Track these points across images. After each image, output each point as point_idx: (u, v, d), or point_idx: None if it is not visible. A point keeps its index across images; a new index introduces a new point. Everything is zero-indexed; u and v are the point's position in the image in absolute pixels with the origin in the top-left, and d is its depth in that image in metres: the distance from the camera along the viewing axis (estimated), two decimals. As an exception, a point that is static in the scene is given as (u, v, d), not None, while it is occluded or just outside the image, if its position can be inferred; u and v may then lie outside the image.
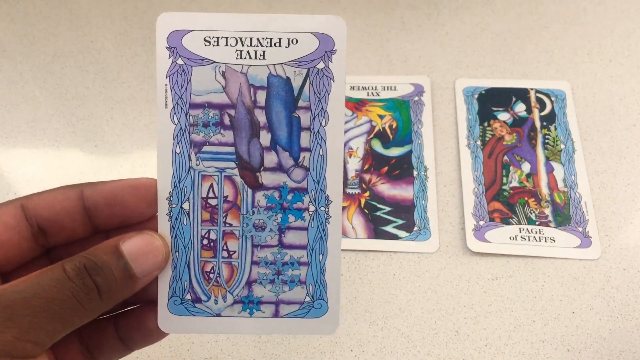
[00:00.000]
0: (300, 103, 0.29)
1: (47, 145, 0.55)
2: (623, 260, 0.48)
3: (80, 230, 0.29)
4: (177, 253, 0.29)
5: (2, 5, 0.64)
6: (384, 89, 0.57)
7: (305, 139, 0.29)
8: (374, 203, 0.51)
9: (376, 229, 0.50)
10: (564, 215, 0.50)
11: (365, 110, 0.56)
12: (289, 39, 0.28)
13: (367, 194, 0.52)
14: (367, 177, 0.53)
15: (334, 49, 0.28)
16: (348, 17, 0.62)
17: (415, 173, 0.52)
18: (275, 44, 0.28)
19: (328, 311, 0.30)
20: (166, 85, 0.28)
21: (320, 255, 0.29)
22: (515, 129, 0.54)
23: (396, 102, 0.56)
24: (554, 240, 0.49)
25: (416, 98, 0.56)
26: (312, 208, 0.29)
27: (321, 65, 0.28)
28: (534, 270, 0.48)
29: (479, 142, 0.54)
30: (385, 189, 0.52)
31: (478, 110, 0.56)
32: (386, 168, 0.53)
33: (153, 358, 0.45)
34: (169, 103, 0.28)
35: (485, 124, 0.55)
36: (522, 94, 0.56)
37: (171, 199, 0.29)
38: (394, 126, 0.55)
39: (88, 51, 0.60)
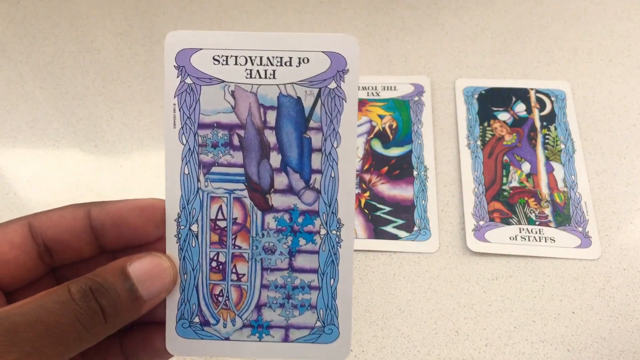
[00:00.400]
0: (311, 124, 0.28)
1: (47, 145, 0.55)
2: (623, 260, 0.48)
3: (86, 250, 0.29)
4: (185, 275, 0.29)
5: (2, 5, 0.64)
6: (384, 89, 0.57)
7: (316, 160, 0.28)
8: (374, 203, 0.51)
9: (376, 229, 0.50)
10: (564, 215, 0.50)
11: (365, 110, 0.56)
12: (299, 58, 0.28)
13: (367, 194, 0.52)
14: (367, 177, 0.53)
15: (346, 69, 0.28)
16: (348, 17, 0.62)
17: (415, 173, 0.52)
18: (285, 63, 0.28)
19: (339, 337, 0.29)
20: (174, 104, 0.28)
21: (332, 280, 0.29)
22: (515, 129, 0.54)
23: (396, 102, 0.56)
24: (554, 240, 0.49)
25: (416, 98, 0.56)
26: (323, 231, 0.29)
27: (333, 85, 0.28)
28: (534, 270, 0.48)
29: (479, 142, 0.54)
30: (385, 189, 0.52)
31: (478, 110, 0.56)
32: (386, 168, 0.53)
33: (153, 358, 0.45)
34: (177, 123, 0.28)
35: (485, 124, 0.55)
36: (522, 94, 0.56)
37: (179, 220, 0.28)
38: (394, 126, 0.55)
39: (88, 51, 0.60)
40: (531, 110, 0.55)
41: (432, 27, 0.61)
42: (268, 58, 0.28)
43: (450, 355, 0.45)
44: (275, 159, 0.28)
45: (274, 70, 0.28)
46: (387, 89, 0.57)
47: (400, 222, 0.50)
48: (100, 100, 0.57)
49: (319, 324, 0.29)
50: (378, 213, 0.51)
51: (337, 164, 0.28)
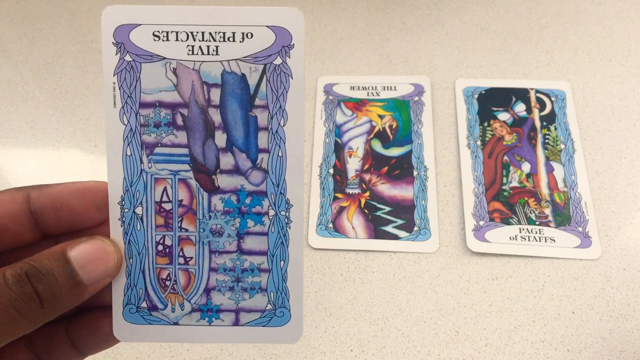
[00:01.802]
0: (257, 101, 0.27)
1: (47, 145, 0.55)
2: (623, 260, 0.48)
3: (27, 235, 0.28)
4: (131, 260, 0.28)
5: (2, 5, 0.64)
6: (384, 89, 0.57)
7: (263, 139, 0.27)
8: (374, 203, 0.51)
9: (376, 229, 0.50)
10: (564, 215, 0.50)
11: (365, 110, 0.56)
12: (243, 33, 0.27)
13: (367, 194, 0.52)
14: (367, 177, 0.53)
15: (291, 44, 0.27)
16: (348, 17, 0.62)
17: (415, 173, 0.52)
18: (229, 39, 0.27)
19: (291, 319, 0.28)
20: (114, 83, 0.27)
21: (282, 262, 0.28)
22: (515, 129, 0.54)
23: (396, 102, 0.56)
24: (554, 240, 0.49)
25: (416, 98, 0.56)
26: (271, 212, 0.28)
27: (278, 61, 0.27)
28: (534, 270, 0.48)
29: (479, 142, 0.54)
30: (385, 189, 0.52)
31: (478, 110, 0.56)
32: (386, 168, 0.53)
33: (153, 358, 0.45)
34: (117, 102, 0.27)
35: (485, 124, 0.55)
36: (522, 94, 0.56)
37: (123, 203, 0.28)
38: (394, 126, 0.55)
39: (88, 51, 0.60)
40: (531, 110, 0.55)
41: (432, 27, 0.61)
42: (210, 33, 0.27)
43: (450, 355, 0.45)
44: (220, 139, 0.27)
45: (216, 47, 0.27)
46: (387, 89, 0.57)
47: (400, 222, 0.50)
48: (100, 100, 0.57)
49: (269, 307, 0.28)
50: (378, 213, 0.51)
51: (284, 143, 0.27)
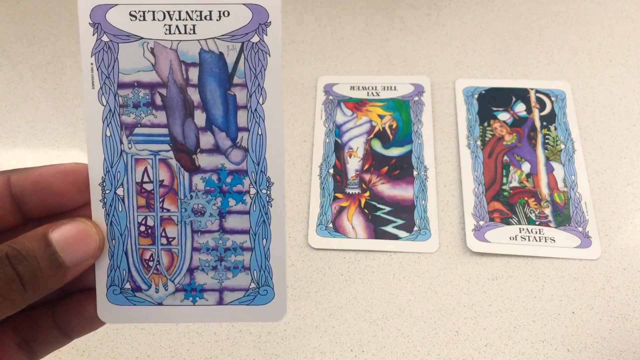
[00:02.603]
0: (236, 80, 0.27)
1: (47, 145, 0.55)
2: (623, 260, 0.48)
3: (9, 218, 0.28)
4: (113, 241, 0.28)
5: (2, 5, 0.64)
6: (384, 89, 0.57)
7: (242, 118, 0.27)
8: (374, 203, 0.51)
9: (376, 229, 0.50)
10: (564, 215, 0.50)
11: (365, 110, 0.56)
12: (219, 12, 0.26)
13: (367, 194, 0.52)
14: (367, 177, 0.53)
15: (268, 21, 0.27)
16: (348, 17, 0.62)
17: (415, 173, 0.52)
18: (205, 17, 0.27)
19: (275, 298, 0.29)
20: (92, 64, 0.27)
21: (264, 240, 0.28)
22: (515, 129, 0.54)
23: (396, 102, 0.56)
24: (554, 240, 0.49)
25: (416, 98, 0.56)
26: (253, 191, 0.28)
27: (256, 39, 0.27)
28: (534, 270, 0.48)
29: (479, 142, 0.54)
30: (385, 189, 0.52)
31: (478, 110, 0.56)
32: (386, 168, 0.53)
33: (153, 358, 0.45)
34: (95, 83, 0.27)
35: (485, 124, 0.55)
36: (522, 94, 0.56)
37: (104, 184, 0.28)
38: (394, 126, 0.55)
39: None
40: (531, 110, 0.55)
41: (432, 27, 0.61)
42: (187, 12, 0.27)
43: (450, 355, 0.45)
44: (200, 118, 0.27)
45: (193, 25, 0.27)
46: (387, 89, 0.57)
47: (400, 222, 0.50)
48: (100, 100, 0.57)
49: (253, 285, 0.29)
50: (378, 213, 0.51)
51: (263, 121, 0.27)
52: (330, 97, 0.57)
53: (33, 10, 0.64)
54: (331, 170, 0.53)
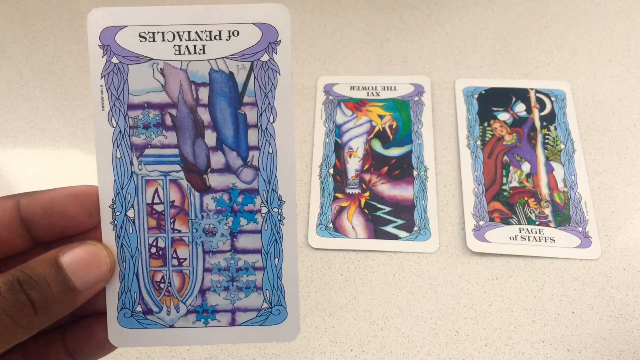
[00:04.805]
0: (246, 99, 0.27)
1: (47, 145, 0.55)
2: (623, 260, 0.48)
3: (19, 242, 0.27)
4: (124, 263, 0.28)
5: (2, 5, 0.64)
6: (384, 89, 0.57)
7: (253, 136, 0.27)
8: (374, 203, 0.51)
9: (376, 229, 0.50)
10: (564, 215, 0.50)
11: (365, 110, 0.56)
12: (229, 31, 0.27)
13: (367, 194, 0.52)
14: (367, 177, 0.53)
15: (277, 40, 0.27)
16: (348, 17, 0.62)
17: (415, 173, 0.52)
18: (215, 37, 0.27)
19: (287, 317, 0.28)
20: (101, 86, 0.27)
21: (276, 259, 0.28)
22: (515, 129, 0.54)
23: (396, 102, 0.56)
24: (554, 240, 0.49)
25: (416, 98, 0.56)
26: (264, 210, 0.28)
27: (265, 58, 0.27)
28: (534, 270, 0.48)
29: (479, 142, 0.54)
30: (385, 189, 0.52)
31: (478, 110, 0.56)
32: (386, 168, 0.53)
33: (153, 358, 0.45)
34: (105, 105, 0.27)
35: (485, 124, 0.55)
36: (522, 94, 0.56)
37: (114, 206, 0.27)
38: (394, 126, 0.55)
39: (88, 51, 0.60)
40: (531, 110, 0.55)
41: (432, 27, 0.61)
42: (197, 32, 0.27)
43: (450, 355, 0.45)
44: (210, 138, 0.27)
45: (203, 45, 0.27)
46: (387, 89, 0.57)
47: (400, 222, 0.50)
48: (100, 100, 0.57)
49: (265, 305, 0.28)
50: (378, 213, 0.51)
51: (274, 140, 0.27)
52: (330, 97, 0.57)
53: (33, 10, 0.64)
54: (331, 170, 0.53)
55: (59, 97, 0.58)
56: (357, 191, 0.52)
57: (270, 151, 0.27)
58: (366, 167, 0.53)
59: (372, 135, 0.55)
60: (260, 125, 0.27)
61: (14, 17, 0.63)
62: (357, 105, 0.56)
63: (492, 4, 0.63)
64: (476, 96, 0.57)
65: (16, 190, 0.53)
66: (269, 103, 0.27)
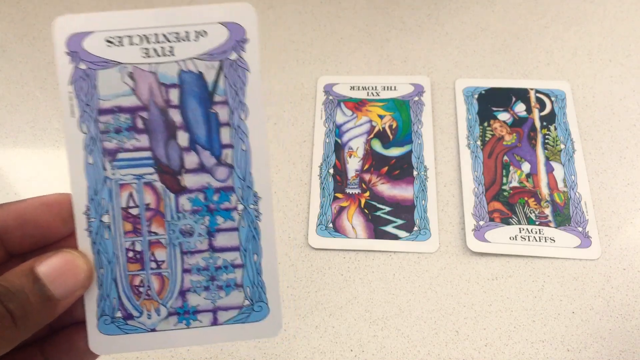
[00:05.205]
0: (217, 98, 0.27)
1: (47, 145, 0.55)
2: (623, 260, 0.48)
3: None
4: (101, 269, 0.27)
5: (2, 5, 0.64)
6: (384, 89, 0.57)
7: (225, 135, 0.27)
8: (374, 203, 0.51)
9: (376, 229, 0.50)
10: (564, 215, 0.50)
11: (365, 110, 0.56)
12: (196, 32, 0.27)
13: (367, 194, 0.52)
14: (367, 177, 0.53)
15: (245, 38, 0.27)
16: (348, 17, 0.62)
17: (415, 173, 0.52)
18: (183, 39, 0.27)
19: (270, 313, 0.28)
20: (70, 92, 0.27)
21: (255, 255, 0.28)
22: (515, 129, 0.54)
23: (396, 102, 0.56)
24: (554, 240, 0.49)
25: (416, 98, 0.56)
26: (240, 207, 0.28)
27: (234, 56, 0.27)
28: (534, 270, 0.48)
29: (479, 142, 0.54)
30: (385, 189, 0.52)
31: (478, 110, 0.56)
32: (386, 168, 0.53)
33: (153, 358, 0.45)
34: (75, 111, 0.27)
35: (485, 124, 0.55)
36: (522, 94, 0.56)
37: (89, 212, 0.27)
38: (394, 126, 0.55)
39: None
40: (531, 110, 0.55)
41: (432, 27, 0.61)
42: (164, 35, 0.27)
43: (450, 355, 0.45)
44: (183, 138, 0.27)
45: (171, 47, 0.27)
46: (387, 89, 0.57)
47: (400, 222, 0.50)
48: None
49: (247, 302, 0.28)
50: (378, 213, 0.51)
51: (247, 137, 0.27)
52: (330, 97, 0.57)
53: (33, 10, 0.64)
54: (331, 170, 0.53)
55: (59, 97, 0.58)
56: (357, 191, 0.52)
57: (244, 148, 0.27)
58: (366, 167, 0.53)
59: (372, 135, 0.55)
60: (232, 123, 0.27)
61: (14, 17, 0.63)
62: (357, 105, 0.56)
63: (492, 4, 0.63)
64: (476, 96, 0.57)
65: (16, 190, 0.53)
66: (240, 101, 0.27)
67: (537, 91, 0.57)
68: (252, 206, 0.28)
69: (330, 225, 0.50)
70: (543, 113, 0.55)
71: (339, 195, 0.52)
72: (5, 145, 0.56)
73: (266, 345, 0.45)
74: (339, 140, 0.54)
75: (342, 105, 0.56)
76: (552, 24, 0.61)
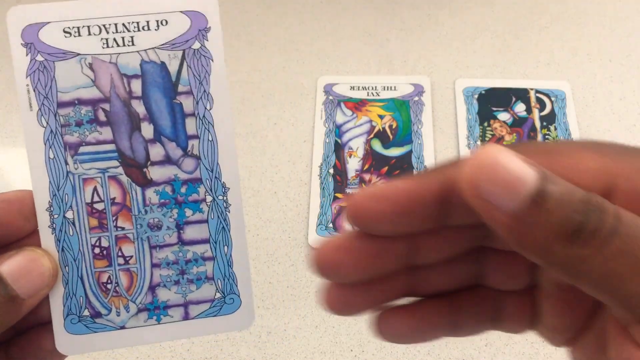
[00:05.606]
0: (180, 88, 0.26)
1: (47, 145, 0.55)
2: (623, 260, 0.48)
3: None
4: (66, 267, 0.26)
5: (2, 5, 0.64)
6: (384, 89, 0.57)
7: (191, 125, 0.27)
8: (374, 203, 0.51)
9: (376, 229, 0.50)
10: (564, 215, 0.50)
11: (365, 110, 0.56)
12: (157, 21, 0.26)
13: (367, 194, 0.52)
14: (367, 177, 0.53)
15: (207, 27, 0.26)
16: (348, 17, 0.62)
17: (415, 173, 0.52)
18: (143, 28, 0.26)
19: (241, 305, 0.28)
20: (27, 85, 0.26)
21: (225, 247, 0.27)
22: (515, 129, 0.54)
23: (396, 102, 0.56)
24: (554, 240, 0.49)
25: (416, 98, 0.57)
26: (209, 198, 0.27)
27: (197, 45, 0.26)
28: (534, 270, 0.48)
29: (479, 142, 0.54)
30: (385, 189, 0.52)
31: (478, 110, 0.56)
32: (386, 168, 0.53)
33: (153, 358, 0.45)
34: (33, 105, 0.26)
35: (485, 124, 0.55)
36: (522, 94, 0.57)
37: (51, 209, 0.26)
38: (394, 126, 0.55)
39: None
40: (531, 110, 0.56)
41: (432, 27, 0.61)
42: (124, 24, 0.26)
43: (450, 355, 0.45)
44: (147, 130, 0.27)
45: (132, 37, 0.26)
46: (387, 89, 0.57)
47: (400, 222, 0.50)
48: (100, 100, 0.58)
49: (218, 295, 0.28)
50: (378, 213, 0.51)
51: (213, 127, 0.27)
52: (330, 97, 0.57)
53: None
54: (331, 170, 0.53)
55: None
56: (357, 191, 0.52)
57: (210, 139, 0.27)
58: (366, 167, 0.53)
59: (372, 135, 0.55)
60: (198, 113, 0.27)
61: (14, 17, 0.63)
62: (357, 105, 0.56)
63: (492, 4, 0.63)
64: (476, 96, 0.57)
65: (16, 190, 0.53)
66: (205, 90, 0.27)
67: (537, 91, 0.57)
68: (220, 197, 0.27)
69: (331, 225, 0.50)
70: (543, 113, 0.55)
71: (339, 195, 0.52)
72: (5, 145, 0.56)
73: (266, 345, 0.45)
74: (339, 140, 0.54)
75: (342, 105, 0.56)
76: (552, 24, 0.61)
